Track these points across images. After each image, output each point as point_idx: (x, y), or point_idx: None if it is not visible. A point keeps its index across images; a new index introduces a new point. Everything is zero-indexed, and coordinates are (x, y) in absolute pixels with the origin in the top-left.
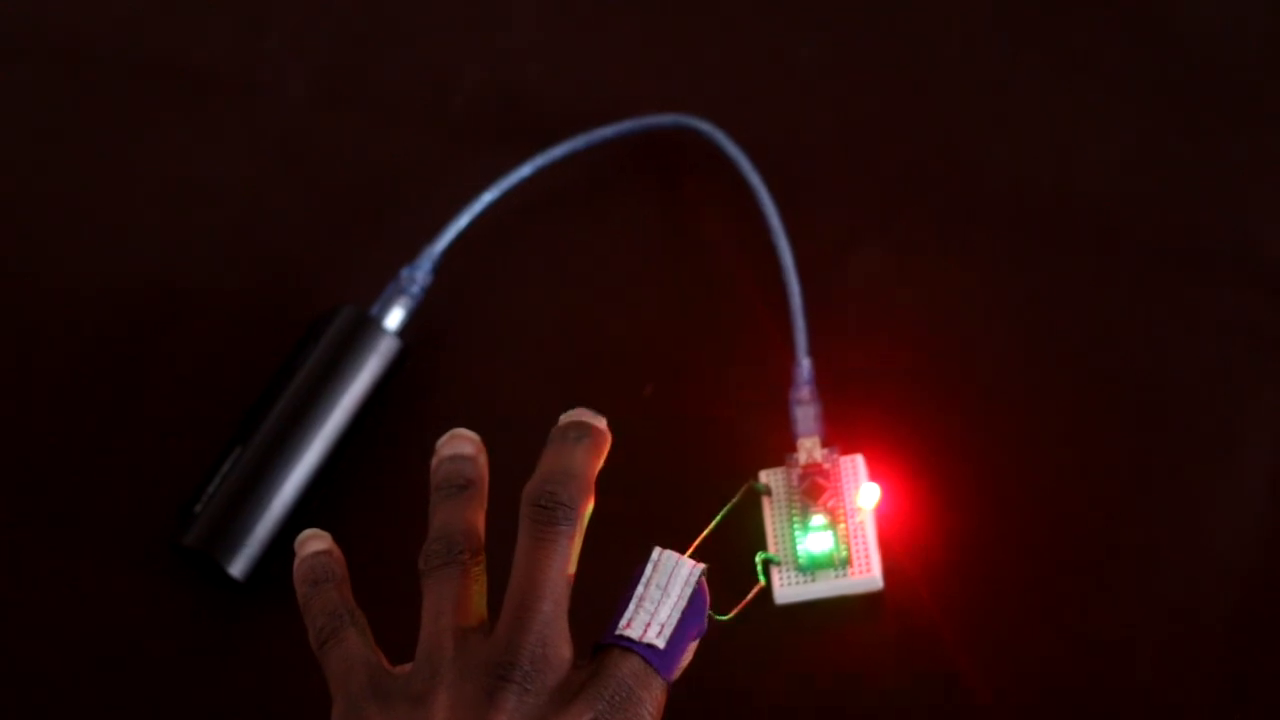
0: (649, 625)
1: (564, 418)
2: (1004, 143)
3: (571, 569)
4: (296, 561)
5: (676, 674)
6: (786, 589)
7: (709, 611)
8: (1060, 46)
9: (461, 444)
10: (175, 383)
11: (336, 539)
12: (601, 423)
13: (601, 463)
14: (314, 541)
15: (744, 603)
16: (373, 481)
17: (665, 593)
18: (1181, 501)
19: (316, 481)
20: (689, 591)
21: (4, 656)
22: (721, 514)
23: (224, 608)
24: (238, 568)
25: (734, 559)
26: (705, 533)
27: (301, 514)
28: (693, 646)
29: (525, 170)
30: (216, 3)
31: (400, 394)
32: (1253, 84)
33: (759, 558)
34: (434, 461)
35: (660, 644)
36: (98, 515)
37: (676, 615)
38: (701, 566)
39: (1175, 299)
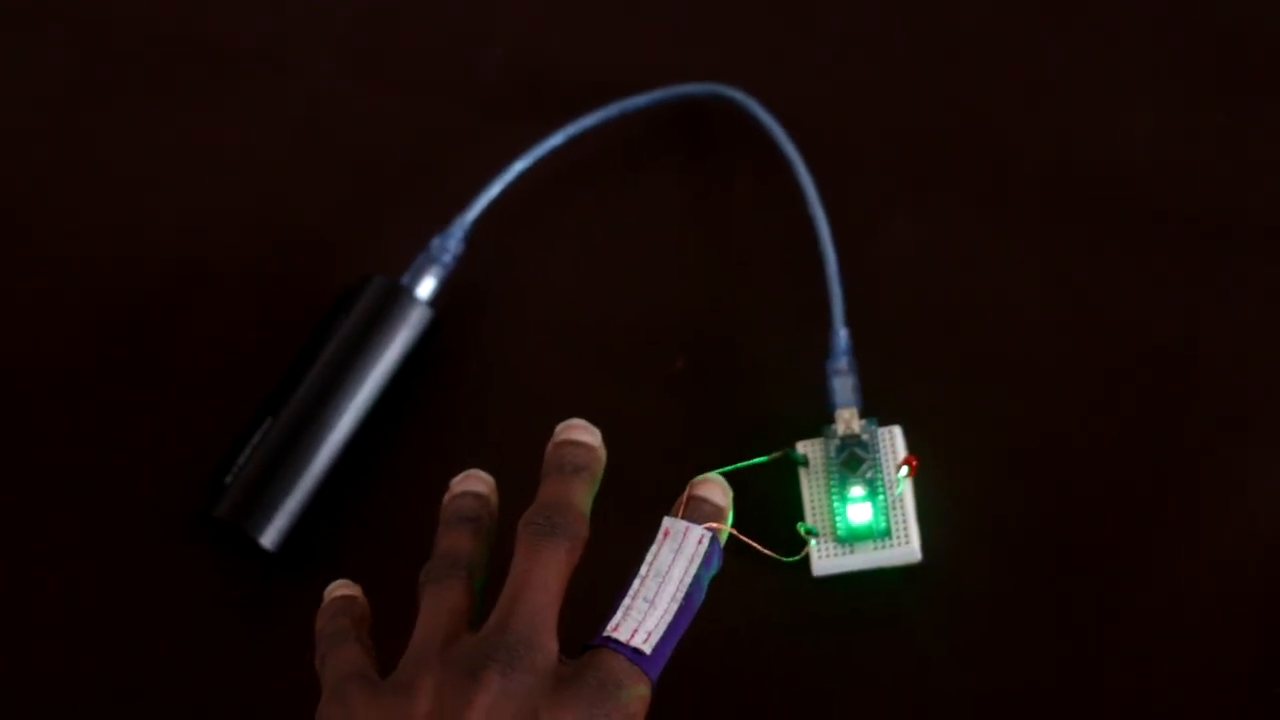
0: (636, 631)
1: (559, 432)
2: (1039, 112)
3: (564, 578)
4: (323, 605)
5: (660, 671)
6: (825, 560)
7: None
8: (1095, 13)
9: (474, 483)
10: (206, 354)
11: (366, 510)
12: (596, 439)
13: (597, 489)
14: (343, 588)
15: (804, 551)
16: (405, 452)
17: (659, 595)
18: (1215, 476)
19: (348, 452)
20: (685, 586)
21: (34, 632)
22: (752, 461)
23: (255, 580)
24: (269, 539)
25: (771, 531)
26: (729, 468)
27: (333, 485)
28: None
29: (557, 139)
30: None
31: (432, 363)
32: None
33: (801, 528)
34: (446, 497)
35: (647, 650)
36: (128, 487)
37: (664, 624)
38: (708, 538)
39: (1212, 269)
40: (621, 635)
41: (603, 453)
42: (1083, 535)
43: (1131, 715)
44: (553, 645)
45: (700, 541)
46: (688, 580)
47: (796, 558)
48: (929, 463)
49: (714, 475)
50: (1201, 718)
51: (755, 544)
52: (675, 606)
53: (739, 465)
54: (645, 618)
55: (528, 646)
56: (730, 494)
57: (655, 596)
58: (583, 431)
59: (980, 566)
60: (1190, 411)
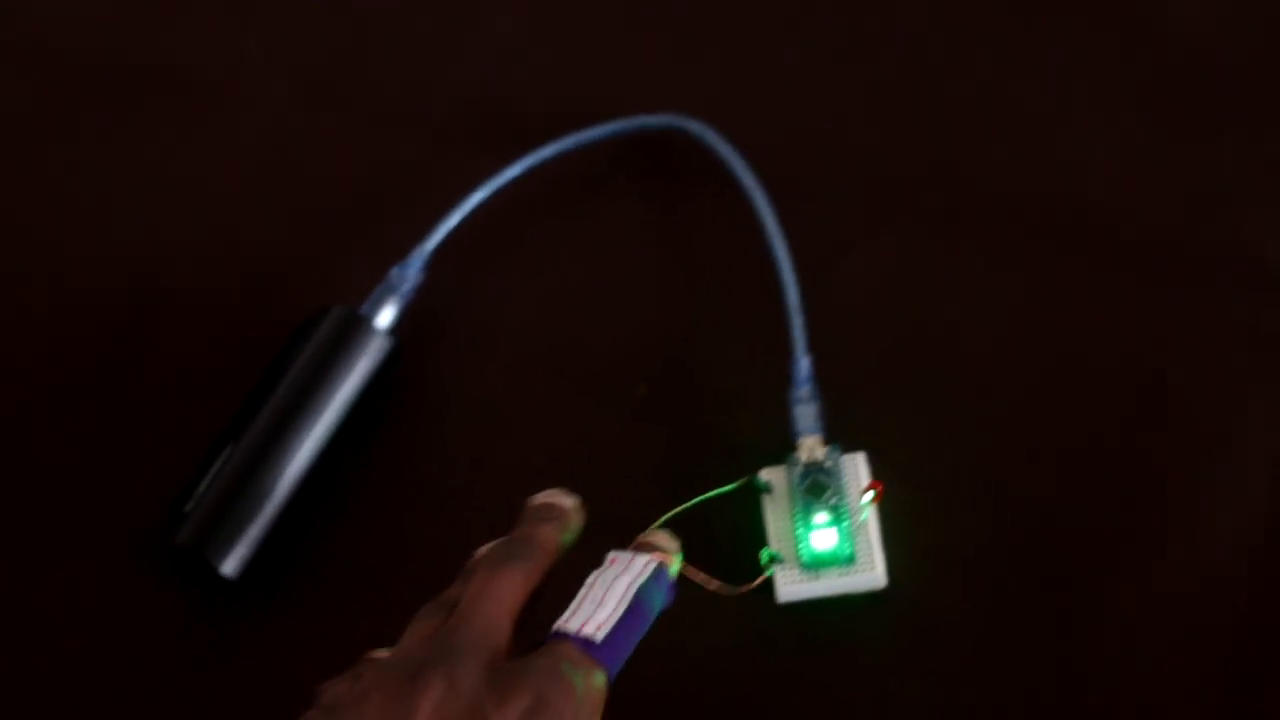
0: (587, 622)
1: (535, 499)
2: (999, 141)
3: (520, 596)
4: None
5: (618, 668)
6: (789, 586)
7: (718, 584)
8: (1056, 46)
9: (562, 496)
10: (165, 383)
11: (328, 537)
12: (572, 501)
13: (571, 537)
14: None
15: (758, 580)
16: (365, 479)
17: (606, 597)
18: (1183, 500)
19: (309, 480)
20: (632, 593)
21: None
22: (712, 494)
23: (216, 608)
24: (229, 566)
25: (735, 558)
26: (692, 504)
27: (293, 512)
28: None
29: (515, 170)
30: (198, 5)
31: (393, 392)
32: (1249, 84)
33: (764, 553)
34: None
35: (598, 638)
36: (87, 515)
37: (617, 616)
38: (655, 562)
39: (1174, 298)
40: (571, 627)
41: (577, 514)
42: (1050, 562)
43: None
44: (503, 648)
45: (647, 564)
46: (635, 586)
47: (745, 589)
48: (894, 489)
49: (659, 527)
50: None
51: (704, 576)
52: (625, 605)
53: (703, 497)
54: (595, 612)
55: (474, 648)
56: (677, 541)
57: (604, 597)
58: (558, 495)
59: (946, 592)
60: (1158, 435)
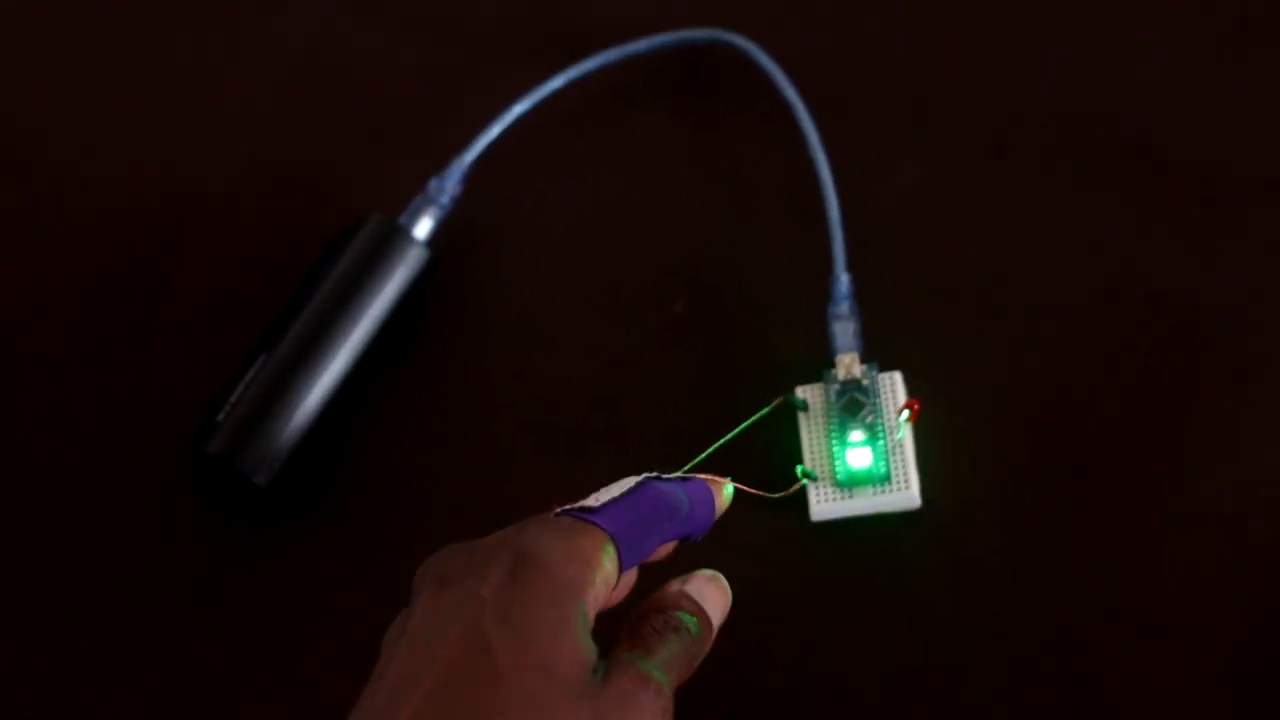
0: (584, 502)
1: (693, 584)
2: (1044, 61)
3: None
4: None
5: (621, 531)
6: (823, 505)
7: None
8: None
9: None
10: (200, 292)
11: (362, 449)
12: (717, 608)
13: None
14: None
15: (793, 488)
16: (400, 392)
17: (614, 486)
18: (1222, 423)
19: (342, 391)
20: (639, 480)
21: (23, 572)
22: (752, 419)
23: (248, 519)
24: (261, 476)
25: (770, 476)
26: (731, 435)
27: (327, 424)
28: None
29: (557, 82)
30: None
31: (429, 304)
32: None
33: (799, 470)
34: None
35: (593, 504)
36: (120, 426)
37: (617, 492)
38: (645, 475)
39: (1212, 223)
40: (566, 507)
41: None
42: (1085, 484)
43: (1134, 663)
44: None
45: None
46: (644, 477)
47: (784, 494)
48: (930, 410)
49: (698, 464)
50: (1203, 670)
51: (746, 488)
52: (628, 487)
53: (741, 427)
54: (600, 496)
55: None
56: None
57: (612, 487)
58: (715, 589)
59: (981, 513)
60: (1196, 361)
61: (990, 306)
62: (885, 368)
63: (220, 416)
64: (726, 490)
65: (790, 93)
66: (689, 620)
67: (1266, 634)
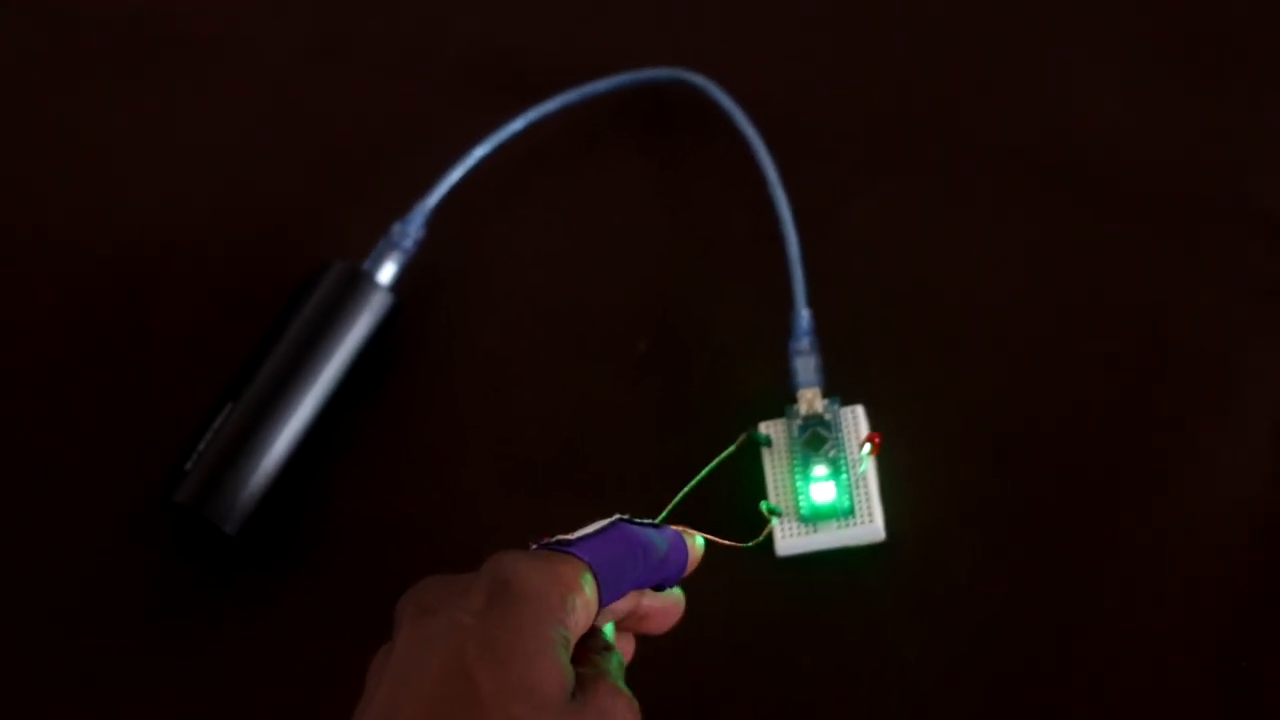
0: (560, 537)
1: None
2: (1000, 90)
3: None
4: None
5: (598, 563)
6: (789, 540)
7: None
8: None
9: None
10: (166, 340)
11: (329, 495)
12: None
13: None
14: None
15: (764, 533)
16: (367, 437)
17: (589, 526)
18: (1184, 450)
19: (309, 438)
20: (614, 520)
21: None
22: (717, 460)
23: (218, 567)
24: (230, 524)
25: (734, 511)
26: (697, 480)
27: (294, 470)
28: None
29: (518, 124)
30: None
31: (395, 347)
32: (1255, 30)
33: (763, 505)
34: None
35: (569, 538)
36: (88, 474)
37: (593, 529)
38: (616, 516)
39: (1176, 248)
40: (543, 541)
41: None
42: (1048, 513)
43: (1101, 690)
44: None
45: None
46: (619, 519)
47: (756, 541)
48: (893, 442)
49: (667, 514)
50: (1170, 692)
51: (717, 539)
52: (604, 525)
53: (707, 470)
54: (574, 535)
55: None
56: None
57: (587, 527)
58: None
59: (946, 544)
60: (1159, 386)
61: (951, 338)
62: (848, 401)
63: (188, 465)
64: (697, 541)
65: (749, 130)
66: (609, 633)
67: (1235, 652)
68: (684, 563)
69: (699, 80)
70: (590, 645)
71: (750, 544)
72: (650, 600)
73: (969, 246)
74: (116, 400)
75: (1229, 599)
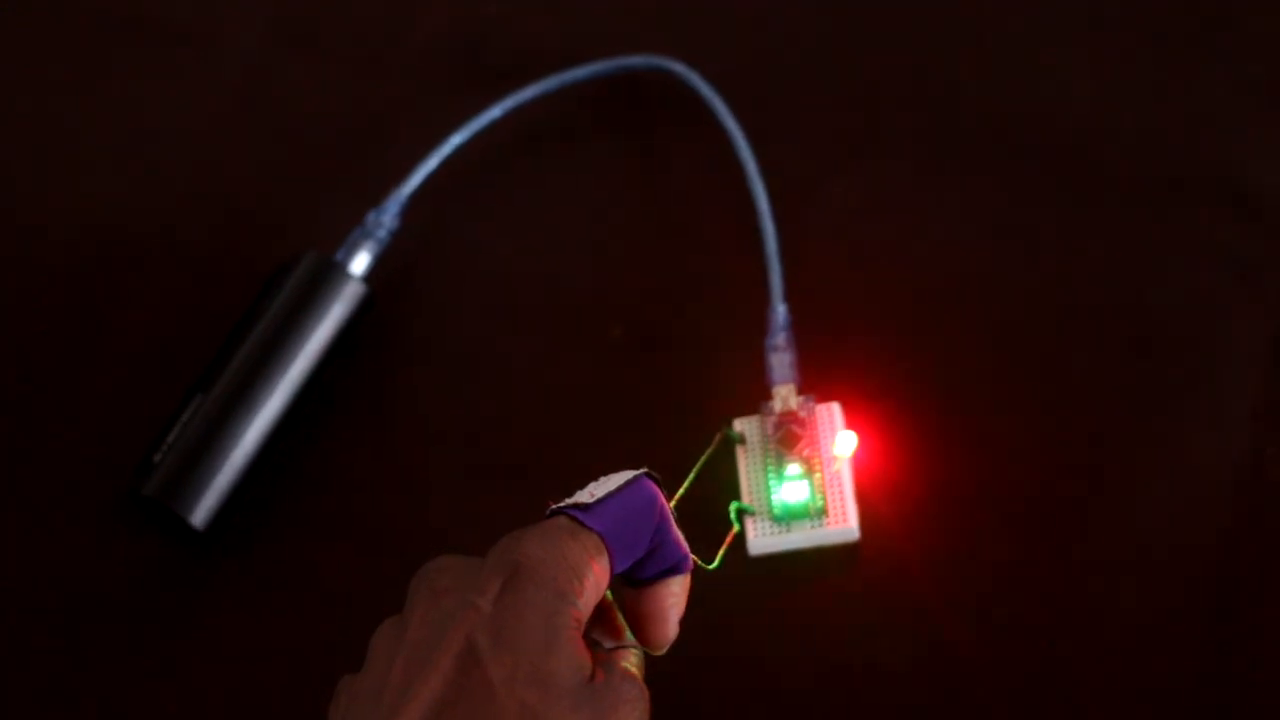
0: (578, 498)
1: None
2: (978, 73)
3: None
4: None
5: (613, 530)
6: (761, 539)
7: (692, 557)
8: None
9: None
10: (136, 332)
11: (301, 489)
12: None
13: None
14: None
15: (723, 547)
16: (338, 429)
17: (607, 480)
18: (1164, 431)
19: (279, 430)
20: (625, 478)
21: None
22: (699, 465)
23: (186, 560)
24: (198, 517)
25: (708, 508)
26: (684, 487)
27: (263, 463)
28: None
29: (495, 112)
30: None
31: (367, 339)
32: (1231, 10)
33: (733, 506)
34: None
35: (587, 500)
36: (55, 466)
37: (610, 488)
38: (643, 470)
39: (1155, 227)
40: (561, 505)
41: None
42: (1026, 512)
43: (1076, 691)
44: None
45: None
46: (640, 475)
47: (714, 565)
48: (869, 440)
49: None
50: (1147, 695)
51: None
52: (625, 479)
53: (691, 478)
54: (592, 488)
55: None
56: None
57: (604, 480)
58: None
59: (920, 543)
60: (1135, 370)
61: (929, 330)
62: (824, 398)
63: (157, 457)
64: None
65: (728, 120)
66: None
67: (1215, 641)
68: (680, 558)
69: (678, 68)
70: (614, 633)
71: (712, 566)
72: (648, 603)
73: (947, 234)
74: (85, 393)
75: (1210, 581)
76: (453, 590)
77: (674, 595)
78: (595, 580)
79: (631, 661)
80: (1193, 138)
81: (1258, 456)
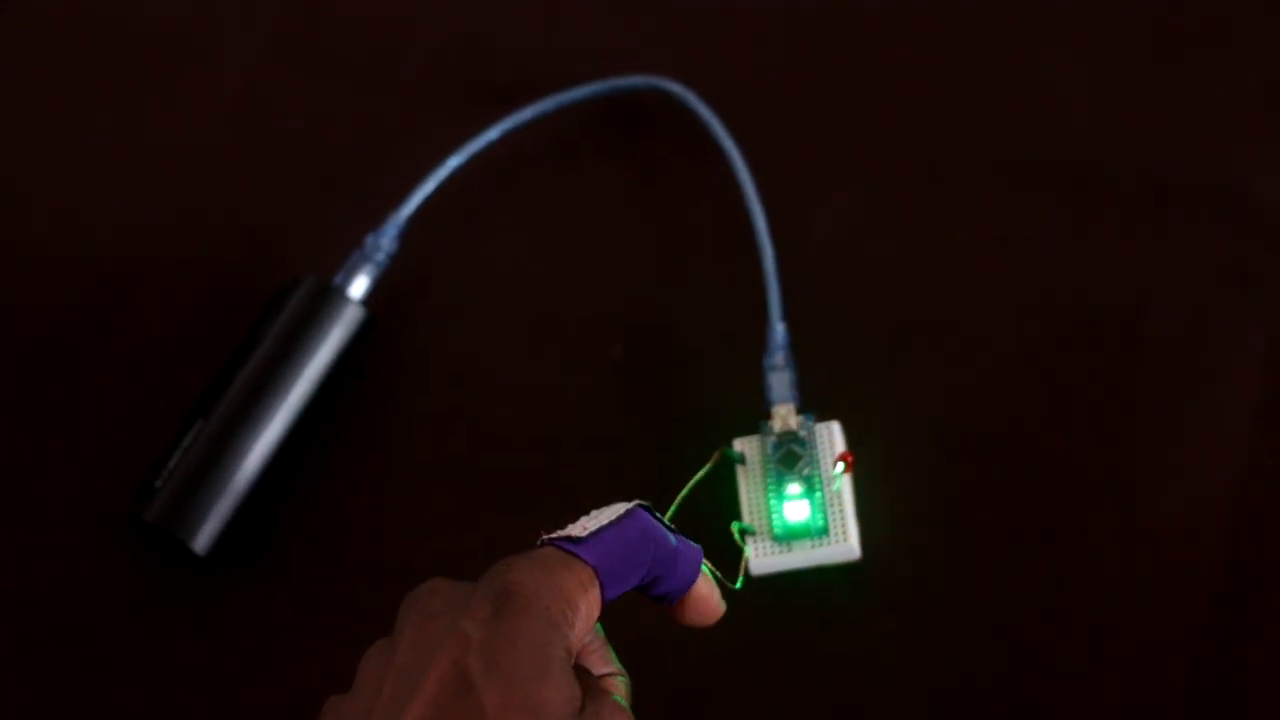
0: (571, 530)
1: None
2: (975, 85)
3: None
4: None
5: (605, 564)
6: (762, 559)
7: (716, 573)
8: None
9: None
10: (136, 356)
11: (302, 512)
12: None
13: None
14: None
15: (741, 568)
16: (339, 453)
17: (600, 514)
18: (1163, 442)
19: (281, 454)
20: (619, 511)
21: None
22: (693, 482)
23: (187, 585)
24: (200, 543)
25: (708, 529)
26: (677, 502)
27: (265, 488)
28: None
29: (493, 133)
30: None
31: (367, 363)
32: (1228, 18)
33: (735, 527)
34: None
35: (580, 534)
36: (56, 491)
37: (603, 520)
38: (636, 502)
39: (1153, 237)
40: (552, 535)
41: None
42: (1027, 528)
43: (1085, 705)
44: None
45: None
46: (636, 506)
47: (739, 585)
48: (869, 458)
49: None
50: (1156, 702)
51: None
52: (618, 514)
53: (682, 494)
54: (585, 522)
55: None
56: None
57: (597, 514)
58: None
59: (923, 561)
60: (1134, 380)
61: (929, 347)
62: (823, 417)
63: (158, 483)
64: (704, 568)
65: (725, 140)
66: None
67: (1216, 658)
68: (691, 576)
69: (676, 88)
70: (601, 663)
71: (736, 585)
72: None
73: (947, 248)
74: (85, 416)
75: (1211, 590)
76: (443, 614)
77: (702, 597)
78: (587, 612)
79: (620, 691)
80: (1192, 147)
81: (1257, 465)
